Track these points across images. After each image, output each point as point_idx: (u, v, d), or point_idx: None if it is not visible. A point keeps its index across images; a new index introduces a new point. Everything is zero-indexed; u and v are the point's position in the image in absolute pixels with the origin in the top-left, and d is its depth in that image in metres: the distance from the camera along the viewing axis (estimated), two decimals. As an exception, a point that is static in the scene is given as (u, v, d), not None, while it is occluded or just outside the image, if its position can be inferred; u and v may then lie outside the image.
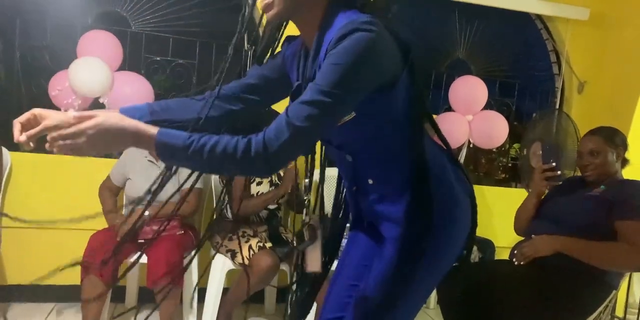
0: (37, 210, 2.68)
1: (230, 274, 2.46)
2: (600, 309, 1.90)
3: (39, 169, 2.69)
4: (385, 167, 1.14)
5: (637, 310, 3.00)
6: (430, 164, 1.12)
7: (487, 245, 2.80)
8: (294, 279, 1.49)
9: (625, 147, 2.14)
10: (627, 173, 2.18)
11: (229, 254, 2.42)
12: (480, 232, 3.04)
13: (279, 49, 1.27)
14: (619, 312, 2.81)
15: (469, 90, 3.16)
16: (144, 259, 2.33)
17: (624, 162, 2.17)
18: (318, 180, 1.42)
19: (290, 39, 1.27)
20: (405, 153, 1.10)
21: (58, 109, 2.61)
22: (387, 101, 1.05)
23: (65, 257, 2.43)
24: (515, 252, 2.08)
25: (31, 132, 1.04)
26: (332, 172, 1.33)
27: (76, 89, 2.52)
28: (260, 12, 1.14)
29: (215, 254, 2.46)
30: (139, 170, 2.51)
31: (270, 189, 2.56)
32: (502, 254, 2.71)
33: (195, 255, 1.54)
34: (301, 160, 1.45)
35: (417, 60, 1.07)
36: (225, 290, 2.44)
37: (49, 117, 1.07)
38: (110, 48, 2.66)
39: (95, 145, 0.97)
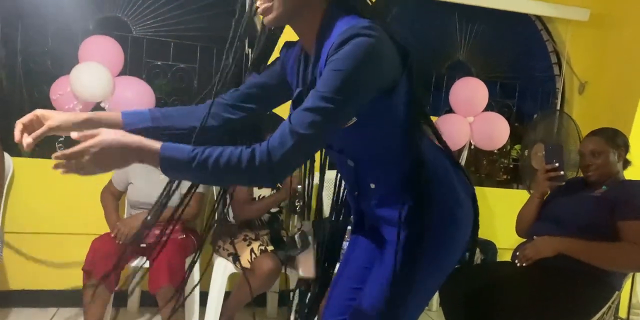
0: (40, 215, 2.69)
1: (232, 277, 2.46)
2: (604, 310, 1.89)
3: (40, 174, 2.69)
4: (386, 171, 1.14)
5: (640, 311, 2.99)
6: (431, 167, 1.12)
7: (489, 247, 2.79)
8: (297, 284, 1.49)
9: (626, 148, 2.14)
10: (629, 174, 2.17)
11: (230, 258, 2.42)
12: (482, 233, 3.02)
13: (277, 55, 1.28)
14: (622, 313, 2.79)
15: (470, 92, 3.15)
16: (146, 263, 2.33)
17: (626, 163, 2.16)
18: (315, 184, 1.42)
19: (289, 44, 1.27)
20: (405, 156, 1.11)
21: (59, 113, 2.62)
22: (388, 105, 1.06)
23: (68, 262, 2.46)
24: (517, 253, 2.08)
25: (36, 133, 1.07)
26: (329, 175, 1.34)
27: (77, 94, 2.53)
28: (261, 17, 1.14)
29: (211, 256, 2.46)
30: (140, 174, 2.51)
31: (272, 192, 2.57)
32: (504, 256, 2.71)
33: (197, 259, 1.54)
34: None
35: (416, 64, 1.08)
36: (227, 294, 2.44)
37: (52, 117, 1.09)
38: (111, 53, 2.67)
39: (99, 163, 0.98)
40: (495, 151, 3.82)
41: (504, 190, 3.70)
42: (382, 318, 1.14)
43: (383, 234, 1.20)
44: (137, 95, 2.68)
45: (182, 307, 2.44)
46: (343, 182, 1.34)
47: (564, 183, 2.19)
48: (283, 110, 1.31)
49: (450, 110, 3.25)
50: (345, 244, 1.42)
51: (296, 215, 2.46)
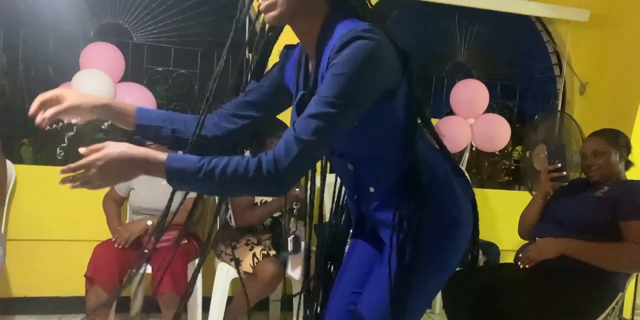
0: (42, 221, 2.70)
1: (234, 282, 2.46)
2: (607, 311, 1.88)
3: (42, 181, 2.70)
4: (385, 174, 1.14)
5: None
6: (431, 169, 1.12)
7: (491, 249, 2.78)
8: (301, 288, 1.49)
9: (628, 148, 2.14)
10: (632, 175, 2.17)
11: (233, 263, 2.42)
12: (484, 235, 3.02)
13: (275, 59, 1.28)
14: (627, 314, 2.78)
15: (470, 94, 3.16)
16: (149, 269, 2.33)
17: (628, 164, 2.16)
18: (317, 187, 1.42)
19: (288, 47, 1.27)
20: (404, 159, 1.11)
21: (61, 120, 2.62)
22: (388, 108, 1.06)
23: (70, 269, 2.46)
24: (520, 255, 2.07)
25: (57, 108, 1.09)
26: (330, 179, 1.34)
27: (79, 101, 2.54)
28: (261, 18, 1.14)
29: (213, 261, 2.46)
30: (142, 180, 2.49)
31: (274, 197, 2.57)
32: (507, 258, 2.70)
33: (201, 265, 1.52)
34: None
35: (416, 68, 1.08)
36: (229, 299, 2.44)
37: (74, 96, 1.11)
38: (112, 59, 2.69)
39: (106, 177, 0.98)
40: (497, 153, 3.82)
41: (506, 192, 3.70)
42: None
43: (382, 238, 1.20)
44: (139, 101, 2.69)
45: (185, 312, 2.44)
46: (343, 187, 1.34)
47: (566, 183, 2.19)
48: (284, 113, 1.32)
49: (451, 112, 3.25)
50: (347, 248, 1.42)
51: (292, 218, 2.47)
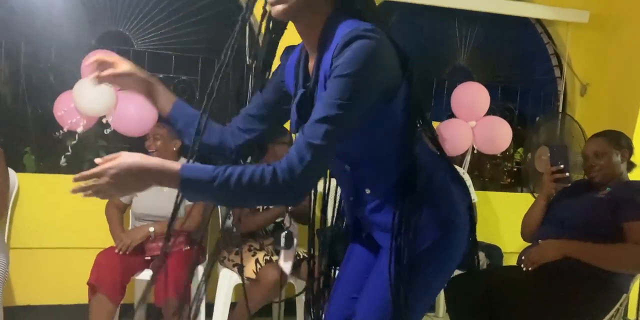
0: (44, 229, 2.70)
1: (237, 288, 2.46)
2: (612, 312, 1.88)
3: (45, 189, 2.71)
4: (382, 176, 1.14)
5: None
6: (428, 173, 1.12)
7: (494, 252, 2.77)
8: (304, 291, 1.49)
9: (630, 149, 2.13)
10: (634, 176, 2.16)
11: (235, 269, 2.42)
12: (487, 238, 3.02)
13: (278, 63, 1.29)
14: (631, 315, 2.77)
15: (471, 97, 3.16)
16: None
17: (630, 165, 2.15)
18: (316, 192, 1.42)
19: (288, 49, 1.28)
20: (401, 162, 1.11)
21: (62, 128, 2.64)
22: (387, 110, 1.06)
23: (73, 277, 2.46)
24: (523, 257, 2.06)
25: (113, 71, 1.16)
26: (333, 183, 1.34)
27: (80, 109, 2.55)
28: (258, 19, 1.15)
29: (216, 267, 2.46)
30: (144, 186, 2.52)
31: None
32: (510, 260, 2.69)
33: (209, 272, 1.52)
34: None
35: (416, 70, 1.09)
36: (233, 305, 2.44)
37: (129, 64, 1.20)
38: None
39: (118, 186, 0.97)
40: (499, 155, 3.81)
41: (508, 194, 3.69)
42: None
43: (378, 241, 1.20)
44: (140, 108, 2.69)
45: (188, 319, 2.43)
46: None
47: (569, 184, 2.18)
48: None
49: (452, 115, 3.25)
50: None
51: (287, 214, 2.47)
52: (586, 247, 1.91)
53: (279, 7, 1.04)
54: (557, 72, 3.72)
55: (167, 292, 2.17)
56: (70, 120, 2.60)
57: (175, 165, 0.97)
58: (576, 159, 2.62)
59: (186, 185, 0.96)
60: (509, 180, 4.30)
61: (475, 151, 3.22)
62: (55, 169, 2.96)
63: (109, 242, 2.44)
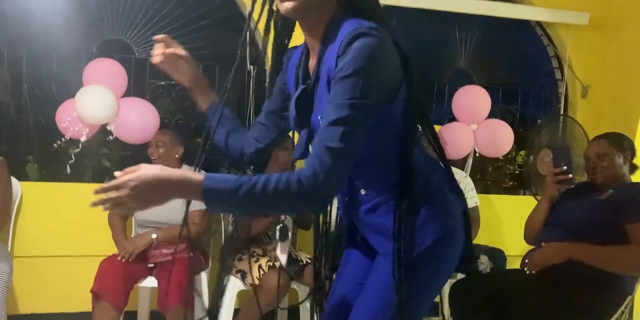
0: (48, 237, 2.71)
1: (240, 294, 2.45)
2: (617, 315, 1.87)
3: (48, 197, 2.72)
4: (380, 177, 1.14)
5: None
6: (424, 176, 1.13)
7: (498, 255, 2.76)
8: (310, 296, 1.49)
9: (633, 151, 2.13)
10: (637, 178, 2.16)
11: (239, 275, 2.41)
12: (490, 241, 3.00)
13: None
14: (637, 318, 2.74)
15: (472, 100, 3.16)
16: (155, 283, 2.33)
17: (633, 168, 2.15)
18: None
19: (290, 51, 1.28)
20: (398, 164, 1.11)
21: (63, 136, 2.65)
22: (387, 111, 1.07)
23: (77, 285, 2.47)
24: (526, 261, 2.06)
25: (174, 52, 1.26)
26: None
27: (83, 117, 2.57)
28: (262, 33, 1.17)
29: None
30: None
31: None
32: (514, 263, 2.68)
33: (223, 283, 1.51)
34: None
35: (416, 73, 1.09)
36: (236, 311, 2.43)
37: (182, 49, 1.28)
38: (115, 75, 2.71)
39: (138, 198, 0.94)
40: (501, 158, 3.80)
41: (510, 197, 3.68)
42: None
43: (374, 245, 1.20)
44: (142, 115, 2.71)
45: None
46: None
47: (573, 186, 2.18)
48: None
49: (453, 119, 3.25)
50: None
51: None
52: (590, 250, 1.90)
53: (288, 5, 1.04)
54: (557, 74, 3.72)
55: (171, 299, 2.17)
56: (73, 129, 2.61)
57: (197, 176, 0.95)
58: (579, 161, 2.61)
59: (210, 195, 0.94)
60: (511, 183, 4.29)
61: (477, 154, 3.22)
62: (58, 177, 2.98)
63: (112, 249, 2.45)
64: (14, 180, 2.57)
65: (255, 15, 1.21)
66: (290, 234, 2.07)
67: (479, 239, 2.85)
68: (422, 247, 1.11)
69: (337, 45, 1.02)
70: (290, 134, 1.36)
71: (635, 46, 3.23)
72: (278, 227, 2.37)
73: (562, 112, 3.59)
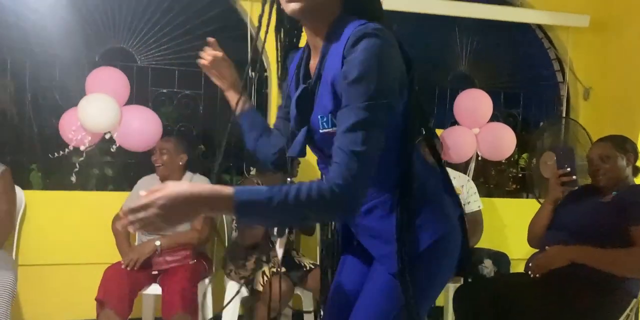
0: (52, 246, 2.72)
1: (244, 301, 2.45)
2: (622, 318, 1.86)
3: (52, 206, 2.73)
4: (378, 178, 1.14)
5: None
6: (422, 182, 1.13)
7: (501, 259, 2.75)
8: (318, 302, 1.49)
9: (635, 154, 2.13)
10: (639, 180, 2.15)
11: (242, 281, 2.41)
12: (493, 244, 2.99)
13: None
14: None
15: (474, 104, 3.16)
16: (158, 290, 2.33)
17: (636, 170, 2.14)
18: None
19: (292, 54, 1.29)
20: (395, 168, 1.12)
21: (67, 145, 2.67)
22: None
23: (81, 292, 2.47)
24: (530, 264, 2.05)
25: (223, 56, 1.36)
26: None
27: (86, 125, 2.58)
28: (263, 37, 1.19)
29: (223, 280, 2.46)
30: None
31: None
32: (518, 267, 2.67)
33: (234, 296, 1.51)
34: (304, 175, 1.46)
35: (417, 76, 1.10)
36: (240, 318, 2.43)
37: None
38: (117, 83, 2.73)
39: (168, 217, 0.91)
40: (503, 161, 3.79)
41: (514, 200, 3.67)
42: None
43: (370, 250, 1.21)
44: (145, 123, 2.72)
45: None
46: None
47: (576, 188, 2.17)
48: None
49: (455, 123, 3.25)
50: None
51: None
52: (593, 252, 1.89)
53: (295, 6, 1.04)
54: (559, 77, 3.72)
55: (175, 306, 2.17)
56: (76, 137, 2.62)
57: (227, 189, 0.93)
58: (582, 164, 2.61)
59: (242, 208, 0.92)
60: (514, 186, 4.28)
61: (479, 158, 3.22)
62: (62, 185, 2.99)
63: (116, 257, 2.45)
64: (18, 189, 2.59)
65: (261, 19, 1.20)
66: (287, 229, 2.07)
67: (483, 243, 2.84)
68: (423, 247, 1.12)
69: (341, 44, 1.02)
70: None
71: (636, 48, 3.23)
72: None
73: (564, 114, 3.59)
